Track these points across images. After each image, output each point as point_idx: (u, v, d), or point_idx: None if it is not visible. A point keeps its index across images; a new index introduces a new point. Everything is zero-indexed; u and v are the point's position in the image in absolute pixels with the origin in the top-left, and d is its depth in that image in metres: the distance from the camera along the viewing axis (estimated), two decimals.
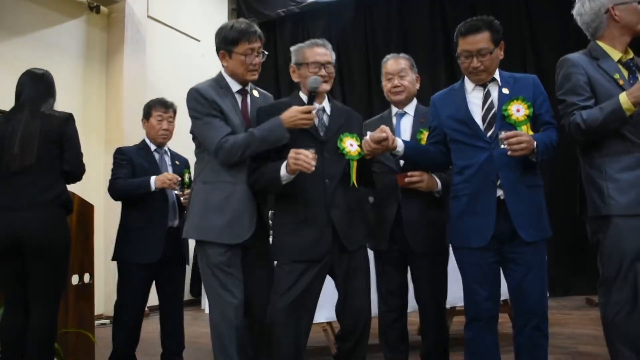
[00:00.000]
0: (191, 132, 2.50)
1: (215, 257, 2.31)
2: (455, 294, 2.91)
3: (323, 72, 2.37)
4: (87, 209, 3.34)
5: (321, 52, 2.41)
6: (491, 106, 2.29)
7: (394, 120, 2.76)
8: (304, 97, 2.42)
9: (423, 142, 2.58)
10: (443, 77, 6.51)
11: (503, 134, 2.10)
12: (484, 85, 2.33)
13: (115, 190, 3.14)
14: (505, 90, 2.29)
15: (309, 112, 2.23)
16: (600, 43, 2.32)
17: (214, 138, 2.31)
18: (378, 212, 2.69)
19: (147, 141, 3.31)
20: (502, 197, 2.21)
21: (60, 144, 2.70)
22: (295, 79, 2.48)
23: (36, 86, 2.79)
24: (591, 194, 2.27)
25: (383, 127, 2.31)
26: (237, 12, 8.02)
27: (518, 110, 2.22)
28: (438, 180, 2.55)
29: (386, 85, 2.78)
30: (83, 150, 2.83)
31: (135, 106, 5.87)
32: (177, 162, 3.33)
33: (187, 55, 6.83)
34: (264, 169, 2.29)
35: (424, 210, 2.59)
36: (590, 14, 2.33)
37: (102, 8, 6.11)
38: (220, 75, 2.48)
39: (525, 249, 2.21)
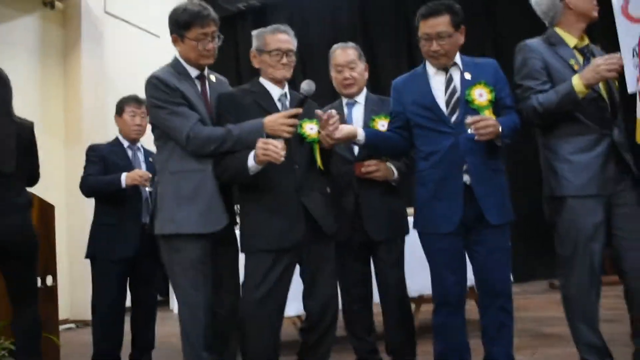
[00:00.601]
0: (150, 122, 2.39)
1: (190, 252, 2.20)
2: (422, 283, 2.94)
3: (285, 60, 2.33)
4: (48, 210, 3.26)
5: (284, 38, 2.36)
6: (454, 91, 2.31)
7: (345, 109, 2.75)
8: (265, 82, 2.38)
9: (377, 129, 2.57)
10: (405, 63, 6.55)
11: (469, 119, 2.13)
12: (445, 69, 2.35)
13: (86, 188, 3.10)
14: (467, 75, 2.32)
15: (294, 116, 2.17)
16: (557, 30, 2.38)
17: (183, 127, 2.19)
18: (335, 202, 2.61)
19: (120, 138, 3.25)
20: (467, 183, 2.24)
21: (29, 150, 2.78)
22: (255, 65, 2.42)
23: (4, 90, 2.73)
24: (547, 175, 2.35)
25: (332, 111, 2.25)
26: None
27: (481, 95, 2.25)
28: (394, 169, 2.58)
29: (336, 77, 2.76)
30: (43, 149, 2.80)
31: (94, 104, 5.77)
32: (150, 159, 3.27)
33: (146, 52, 6.69)
34: (230, 160, 2.22)
35: (381, 198, 2.60)
36: (547, 3, 2.38)
37: (57, 4, 5.92)
38: (176, 60, 2.35)
39: (490, 232, 2.26)
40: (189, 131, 2.18)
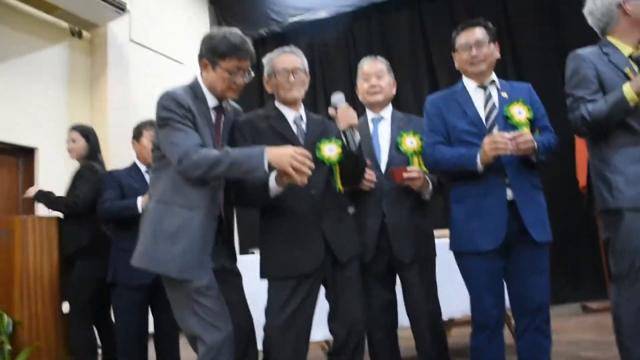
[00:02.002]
0: (154, 143, 2.22)
1: (192, 284, 2.03)
2: (453, 306, 2.86)
3: (292, 78, 2.32)
4: None
5: (289, 58, 2.36)
6: (493, 107, 2.32)
7: (371, 125, 2.67)
8: (279, 106, 2.38)
9: (404, 147, 2.51)
10: (425, 86, 6.58)
11: (509, 134, 2.13)
12: (484, 87, 2.37)
13: (103, 213, 3.11)
14: (505, 94, 2.34)
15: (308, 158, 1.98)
16: (610, 38, 2.33)
17: (182, 145, 2.01)
18: (359, 223, 2.53)
19: (137, 162, 3.28)
20: (509, 198, 2.21)
21: None
22: (268, 90, 2.43)
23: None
24: (599, 187, 2.26)
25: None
26: None
27: (519, 112, 2.25)
28: (429, 181, 2.50)
29: (362, 85, 2.70)
30: (70, 174, 2.80)
31: (120, 130, 5.85)
32: None
33: (170, 78, 6.80)
34: (249, 183, 2.17)
35: (409, 217, 2.51)
36: (602, 9, 2.34)
37: (85, 33, 6.10)
38: (196, 83, 2.21)
39: (531, 251, 2.21)
40: (186, 149, 2.00)
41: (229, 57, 2.12)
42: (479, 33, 2.36)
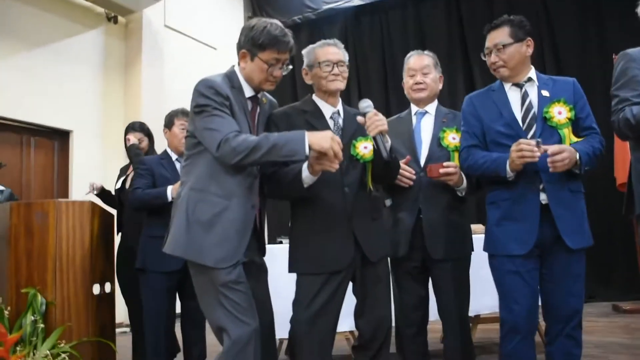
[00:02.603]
0: (188, 130, 2.19)
1: (221, 276, 2.00)
2: (478, 302, 2.83)
3: (336, 70, 2.29)
4: (108, 219, 3.34)
5: (333, 51, 2.33)
6: (530, 107, 2.24)
7: (414, 119, 2.64)
8: (317, 100, 2.36)
9: (445, 142, 2.48)
10: (460, 81, 6.49)
11: (549, 150, 2.03)
12: (519, 85, 2.29)
13: (134, 201, 3.15)
14: (545, 92, 2.25)
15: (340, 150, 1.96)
16: None
17: (221, 130, 1.99)
18: (395, 217, 2.55)
19: (169, 151, 3.30)
20: (544, 202, 2.15)
21: None
22: (307, 81, 2.40)
23: None
24: (636, 192, 2.19)
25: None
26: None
27: (560, 112, 2.17)
28: (464, 177, 2.46)
29: (408, 81, 2.66)
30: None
31: (153, 115, 5.90)
32: None
33: (203, 64, 6.85)
34: (283, 174, 2.18)
35: (445, 215, 2.48)
36: None
37: (120, 18, 6.17)
38: (233, 72, 2.19)
39: (565, 256, 2.16)
40: (226, 135, 1.97)
41: (269, 49, 2.10)
42: (500, 35, 2.27)
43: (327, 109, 2.34)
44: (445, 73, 6.38)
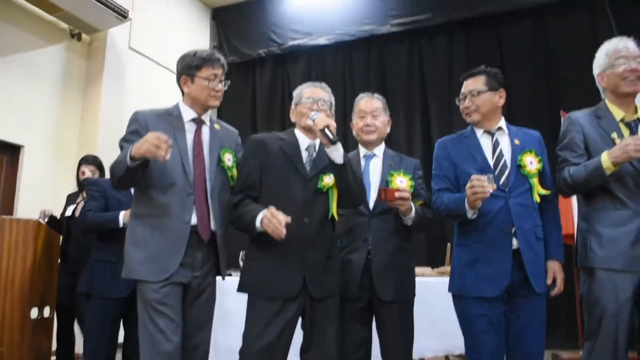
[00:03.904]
0: None
1: (148, 293, 2.15)
2: (423, 345, 2.86)
3: (315, 107, 2.37)
4: (53, 240, 3.23)
5: (317, 91, 2.45)
6: (501, 155, 2.36)
7: (362, 161, 2.69)
8: (297, 133, 2.43)
9: (393, 185, 2.51)
10: (418, 124, 6.63)
11: (494, 188, 2.15)
12: (491, 133, 2.41)
13: (84, 223, 3.07)
14: (517, 141, 2.38)
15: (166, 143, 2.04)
16: (607, 101, 2.39)
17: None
18: (344, 257, 2.53)
19: None
20: (514, 247, 2.24)
21: None
22: (292, 119, 2.50)
23: None
24: (579, 245, 2.33)
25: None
26: (219, 49, 8.07)
27: (531, 162, 2.31)
28: (413, 207, 2.48)
29: (357, 123, 2.71)
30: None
31: (110, 136, 5.82)
32: None
33: (165, 89, 6.80)
34: (243, 211, 2.25)
35: (394, 255, 2.51)
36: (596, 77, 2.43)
37: (84, 36, 6.08)
38: (175, 104, 2.41)
39: (530, 300, 2.24)
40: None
41: (205, 67, 2.33)
42: (476, 83, 2.41)
43: (304, 141, 2.41)
44: (404, 115, 6.62)
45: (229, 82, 2.43)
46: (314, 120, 2.24)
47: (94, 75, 6.06)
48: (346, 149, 2.69)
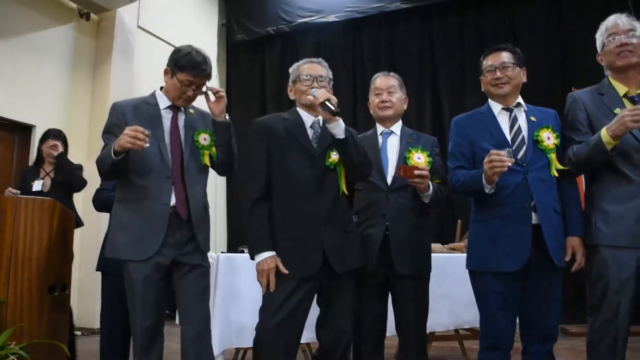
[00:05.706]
0: None
1: (132, 272, 2.30)
2: (433, 319, 2.89)
3: (315, 84, 2.37)
4: (67, 218, 3.26)
5: (315, 67, 2.44)
6: (519, 130, 2.37)
7: (380, 139, 2.69)
8: (300, 111, 2.43)
9: (411, 162, 2.53)
10: (428, 101, 6.62)
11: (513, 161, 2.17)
12: (509, 110, 2.41)
13: (98, 202, 3.10)
14: (533, 118, 2.39)
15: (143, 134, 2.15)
16: (610, 77, 2.38)
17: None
18: (362, 233, 2.54)
19: None
20: (533, 222, 2.25)
21: None
22: (291, 97, 2.48)
23: None
24: (586, 223, 2.33)
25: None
26: (227, 28, 8.04)
27: (548, 138, 2.32)
28: (431, 185, 2.49)
29: (374, 100, 2.72)
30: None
31: None
32: None
33: None
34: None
35: (411, 231, 2.53)
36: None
37: (92, 16, 6.08)
38: (152, 93, 2.50)
39: (549, 275, 2.26)
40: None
41: (186, 72, 2.35)
42: (505, 56, 2.41)
43: (308, 119, 2.41)
44: (414, 94, 6.58)
45: (207, 91, 2.43)
46: (314, 96, 2.25)
47: (103, 54, 6.07)
48: (356, 129, 2.71)
